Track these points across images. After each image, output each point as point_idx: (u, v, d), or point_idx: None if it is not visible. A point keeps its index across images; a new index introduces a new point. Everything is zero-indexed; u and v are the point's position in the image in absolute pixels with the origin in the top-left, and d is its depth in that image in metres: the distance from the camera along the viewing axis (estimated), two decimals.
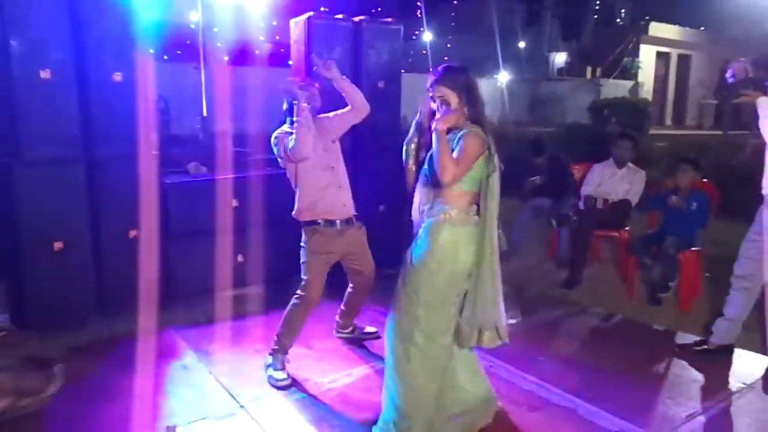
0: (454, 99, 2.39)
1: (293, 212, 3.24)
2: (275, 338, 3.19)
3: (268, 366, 3.16)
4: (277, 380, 3.08)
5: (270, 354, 3.19)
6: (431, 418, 2.51)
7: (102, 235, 3.72)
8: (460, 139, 2.36)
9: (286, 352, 3.18)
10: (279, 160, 3.21)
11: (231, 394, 2.96)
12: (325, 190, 3.17)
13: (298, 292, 3.18)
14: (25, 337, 3.45)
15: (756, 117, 3.15)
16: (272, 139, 3.18)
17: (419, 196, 2.52)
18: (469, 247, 2.42)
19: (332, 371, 3.22)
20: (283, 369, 3.13)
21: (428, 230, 2.43)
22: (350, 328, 3.63)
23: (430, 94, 2.44)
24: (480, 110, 2.44)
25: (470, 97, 2.43)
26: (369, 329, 3.65)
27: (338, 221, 3.20)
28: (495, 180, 2.41)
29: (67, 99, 3.47)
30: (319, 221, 3.16)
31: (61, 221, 3.55)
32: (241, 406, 2.85)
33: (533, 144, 6.04)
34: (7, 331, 3.54)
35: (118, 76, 3.65)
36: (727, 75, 3.30)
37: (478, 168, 2.40)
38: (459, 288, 2.46)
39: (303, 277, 3.18)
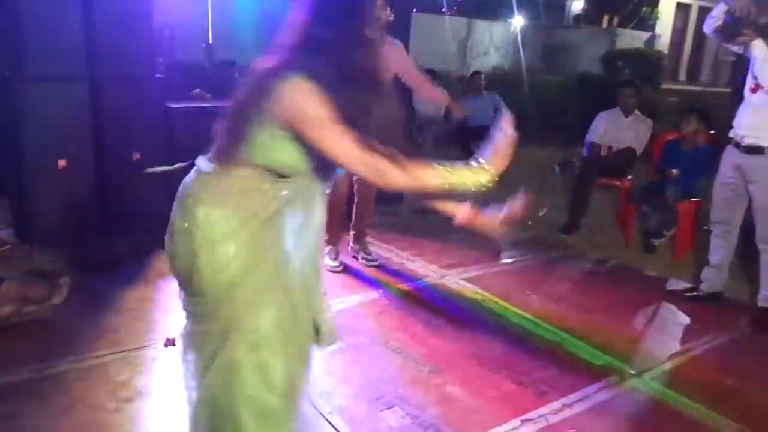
0: None
1: None
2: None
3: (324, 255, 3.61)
4: (329, 266, 3.62)
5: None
6: None
7: (106, 155, 3.75)
8: None
9: (334, 244, 3.69)
10: None
11: None
12: None
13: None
14: (30, 251, 3.53)
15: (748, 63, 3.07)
16: None
17: None
18: None
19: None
20: (335, 258, 3.68)
21: None
22: (357, 247, 3.89)
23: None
24: None
25: None
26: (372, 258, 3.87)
27: None
28: None
29: (71, 13, 3.43)
30: None
31: (65, 139, 3.56)
32: None
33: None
34: (11, 245, 3.62)
35: None
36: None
37: None
38: None
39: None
